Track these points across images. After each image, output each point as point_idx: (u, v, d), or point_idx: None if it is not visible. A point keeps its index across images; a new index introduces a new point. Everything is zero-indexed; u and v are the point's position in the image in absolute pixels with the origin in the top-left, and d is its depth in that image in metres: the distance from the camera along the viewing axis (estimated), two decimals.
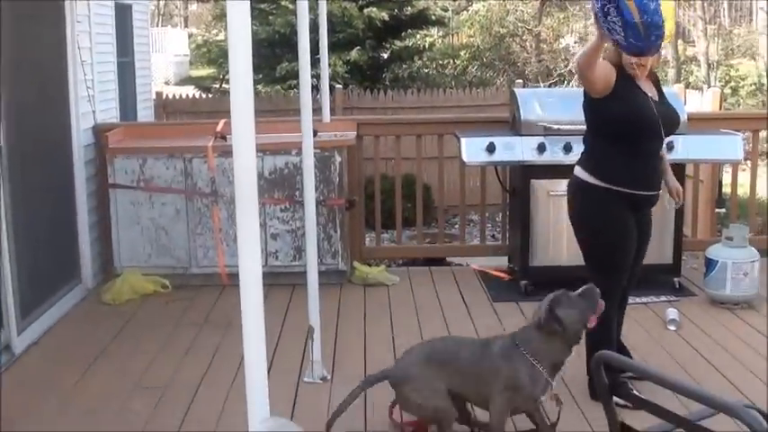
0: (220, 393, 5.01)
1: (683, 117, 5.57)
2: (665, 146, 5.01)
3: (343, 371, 5.39)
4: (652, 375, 2.34)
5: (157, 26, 39.35)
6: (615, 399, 2.62)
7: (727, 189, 8.36)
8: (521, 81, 18.24)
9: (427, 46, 19.75)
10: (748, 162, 8.46)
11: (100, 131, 7.37)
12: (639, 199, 4.80)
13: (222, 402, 4.90)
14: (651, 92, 4.86)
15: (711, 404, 2.19)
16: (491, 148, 6.73)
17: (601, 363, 2.42)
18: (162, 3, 45.50)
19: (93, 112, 7.41)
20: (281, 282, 6.87)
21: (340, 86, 14.56)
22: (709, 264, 6.58)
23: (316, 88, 7.68)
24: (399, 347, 5.80)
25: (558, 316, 4.00)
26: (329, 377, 5.28)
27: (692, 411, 2.67)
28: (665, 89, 5.06)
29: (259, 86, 16.42)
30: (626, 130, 4.70)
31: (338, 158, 7.06)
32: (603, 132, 4.80)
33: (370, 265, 7.55)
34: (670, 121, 4.88)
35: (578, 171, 4.85)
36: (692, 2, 23.41)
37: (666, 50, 23.40)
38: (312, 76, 5.28)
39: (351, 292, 7.09)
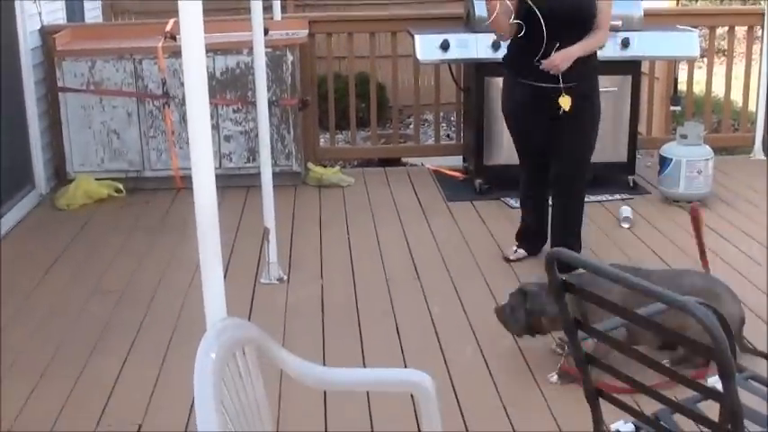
0: (178, 296, 5.00)
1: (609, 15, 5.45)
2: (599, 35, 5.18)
3: (299, 272, 5.42)
4: (605, 271, 2.36)
5: None
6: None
7: (682, 87, 8.37)
8: None
9: None
10: (705, 59, 8.48)
11: (47, 34, 7.20)
12: (536, 89, 5.11)
13: (180, 305, 4.90)
14: None
15: (663, 300, 2.21)
16: (445, 46, 6.67)
17: (554, 259, 2.44)
18: None
19: (39, 13, 7.23)
20: (236, 184, 6.83)
21: None
22: (664, 162, 6.61)
23: None
24: (355, 248, 5.84)
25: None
26: (286, 278, 5.29)
27: (642, 308, 2.71)
28: None
29: None
30: (524, 28, 4.99)
31: (290, 57, 6.97)
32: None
33: (324, 167, 7.53)
34: (563, 15, 5.00)
35: None
36: None
37: None
38: None
39: (306, 193, 7.07)
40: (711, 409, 2.26)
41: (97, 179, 6.96)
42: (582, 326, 2.55)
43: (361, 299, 5.02)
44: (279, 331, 4.53)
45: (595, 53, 5.24)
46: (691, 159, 6.49)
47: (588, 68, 5.16)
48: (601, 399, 2.65)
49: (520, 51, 5.18)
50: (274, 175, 5.39)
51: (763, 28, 7.77)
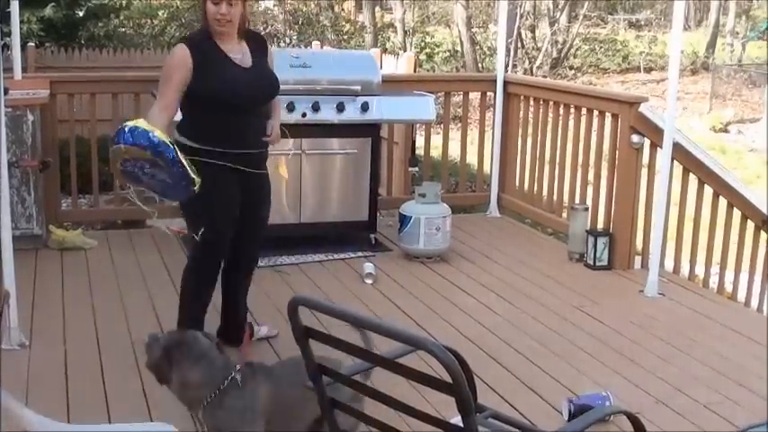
0: None
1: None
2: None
3: (42, 336, 5.26)
4: (348, 316, 2.46)
5: None
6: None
7: (420, 152, 8.73)
8: None
9: (124, 4, 19.14)
10: (441, 125, 8.88)
11: None
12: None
13: None
14: (242, 57, 4.70)
15: (406, 340, 2.33)
16: None
17: (297, 305, 2.52)
18: None
19: None
20: None
21: (32, 44, 13.94)
22: (404, 220, 6.86)
23: (6, 46, 7.32)
24: (98, 310, 5.73)
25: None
26: (27, 343, 5.13)
27: (387, 351, 2.83)
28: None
29: None
30: (215, 106, 4.64)
31: (31, 118, 6.80)
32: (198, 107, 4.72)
33: (67, 230, 7.35)
34: (259, 89, 4.78)
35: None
36: None
37: (364, 16, 24.02)
38: (3, 34, 5.06)
39: (47, 257, 6.87)
40: None
41: None
42: (327, 371, 2.64)
43: (106, 360, 4.93)
44: (21, 396, 4.38)
45: None
46: (429, 217, 6.77)
47: None
48: None
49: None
50: (14, 238, 5.22)
51: (495, 94, 8.23)
